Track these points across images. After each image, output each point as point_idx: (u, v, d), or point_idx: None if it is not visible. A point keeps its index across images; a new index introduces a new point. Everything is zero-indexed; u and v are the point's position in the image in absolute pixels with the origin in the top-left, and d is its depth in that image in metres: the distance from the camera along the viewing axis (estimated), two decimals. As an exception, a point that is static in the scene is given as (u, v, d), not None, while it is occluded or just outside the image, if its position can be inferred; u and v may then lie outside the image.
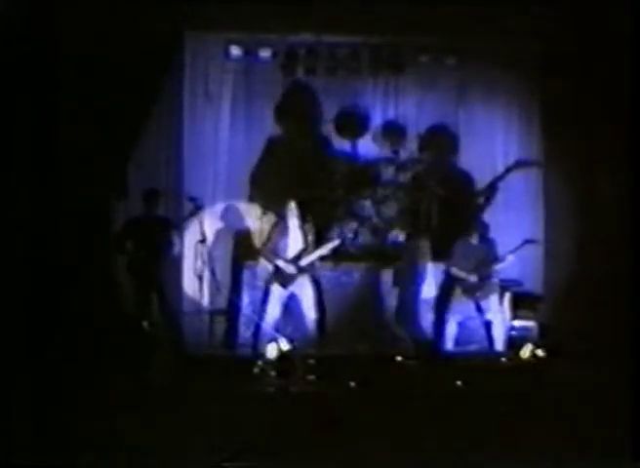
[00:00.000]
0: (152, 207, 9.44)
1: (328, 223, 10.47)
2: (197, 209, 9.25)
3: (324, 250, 9.67)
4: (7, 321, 7.48)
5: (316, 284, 9.75)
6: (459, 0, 9.83)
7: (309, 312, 9.62)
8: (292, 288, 9.62)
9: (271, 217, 10.43)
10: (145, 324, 8.80)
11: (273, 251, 9.64)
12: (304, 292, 9.64)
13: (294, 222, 9.69)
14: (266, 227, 10.33)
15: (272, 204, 10.50)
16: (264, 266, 9.86)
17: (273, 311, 9.62)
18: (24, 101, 8.46)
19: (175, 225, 9.41)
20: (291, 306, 9.72)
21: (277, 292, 9.64)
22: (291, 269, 9.54)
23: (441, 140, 10.99)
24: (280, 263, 9.55)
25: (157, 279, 9.33)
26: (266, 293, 9.73)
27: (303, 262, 9.58)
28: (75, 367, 7.39)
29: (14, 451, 6.63)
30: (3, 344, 7.33)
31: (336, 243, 9.74)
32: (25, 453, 6.67)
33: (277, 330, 9.45)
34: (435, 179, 10.74)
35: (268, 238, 9.80)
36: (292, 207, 9.71)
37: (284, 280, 9.57)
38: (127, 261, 9.40)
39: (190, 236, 9.62)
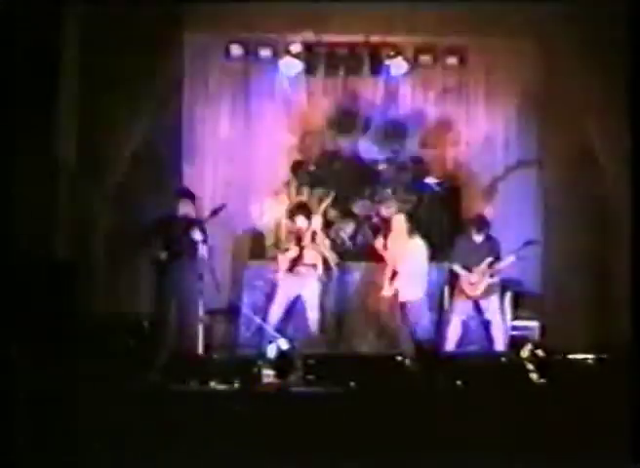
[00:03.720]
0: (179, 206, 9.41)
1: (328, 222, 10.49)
2: (220, 207, 9.18)
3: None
4: (8, 320, 7.48)
5: (322, 285, 9.79)
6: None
7: (313, 312, 9.64)
8: (299, 288, 9.64)
9: (272, 216, 10.45)
10: (146, 324, 8.77)
11: (284, 247, 9.68)
12: (310, 292, 9.65)
13: (300, 221, 9.73)
14: (268, 226, 10.36)
15: (273, 203, 10.53)
16: (267, 265, 9.90)
17: (277, 311, 9.64)
18: (24, 102, 8.45)
19: (200, 226, 9.32)
20: (295, 306, 9.74)
21: (284, 292, 9.65)
22: (309, 253, 9.57)
23: (441, 140, 11.00)
24: (292, 253, 9.58)
25: (166, 279, 9.31)
26: (273, 293, 9.75)
27: (314, 250, 9.62)
28: (76, 367, 7.38)
29: (14, 452, 6.64)
30: (3, 344, 7.33)
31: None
32: (26, 453, 6.68)
33: (280, 330, 9.48)
34: (435, 179, 10.76)
35: (277, 236, 9.82)
36: (297, 206, 9.79)
37: (297, 274, 9.59)
38: (138, 261, 9.43)
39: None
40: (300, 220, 9.72)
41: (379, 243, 9.91)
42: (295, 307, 9.77)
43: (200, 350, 9.06)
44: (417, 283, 9.66)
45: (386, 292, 9.69)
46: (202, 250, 9.09)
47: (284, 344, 8.67)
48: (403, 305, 9.67)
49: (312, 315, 9.66)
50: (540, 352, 8.05)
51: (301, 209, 9.85)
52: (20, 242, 8.11)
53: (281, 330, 9.53)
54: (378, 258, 9.99)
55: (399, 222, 9.77)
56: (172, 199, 9.42)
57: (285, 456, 6.81)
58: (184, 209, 9.30)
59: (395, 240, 9.79)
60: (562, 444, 6.90)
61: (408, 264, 9.65)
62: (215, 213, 9.13)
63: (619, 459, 6.74)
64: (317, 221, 9.79)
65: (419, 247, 9.72)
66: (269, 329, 9.50)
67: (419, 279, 9.67)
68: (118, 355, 7.70)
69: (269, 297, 9.82)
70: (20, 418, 6.86)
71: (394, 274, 9.68)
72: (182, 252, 9.17)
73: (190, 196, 9.42)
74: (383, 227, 10.45)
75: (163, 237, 9.21)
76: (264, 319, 9.67)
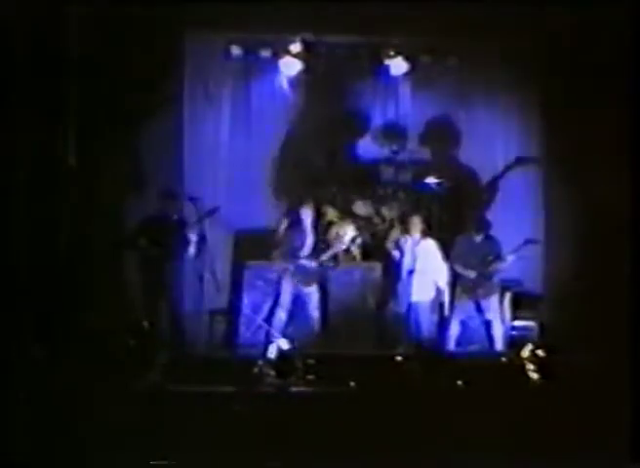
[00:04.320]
0: (167, 207, 9.46)
1: (328, 223, 10.51)
2: (213, 210, 9.23)
3: (341, 245, 9.76)
4: (7, 322, 7.48)
5: (323, 285, 9.81)
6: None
7: (315, 313, 9.67)
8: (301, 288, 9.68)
9: (271, 216, 10.46)
10: (146, 324, 8.78)
11: (289, 250, 9.68)
12: (312, 292, 9.67)
13: (306, 222, 9.76)
14: (271, 227, 10.37)
15: (273, 203, 10.55)
16: (268, 265, 9.91)
17: (281, 311, 9.66)
18: (25, 101, 8.45)
19: (187, 226, 9.37)
20: (297, 306, 9.75)
21: (287, 292, 9.67)
22: (312, 265, 9.57)
23: (441, 140, 11.00)
24: (302, 261, 9.60)
25: (166, 279, 9.34)
26: (277, 294, 9.76)
27: (323, 257, 9.64)
28: (76, 367, 7.38)
29: (14, 452, 6.64)
30: (3, 345, 7.33)
31: (353, 235, 9.83)
32: (26, 453, 6.69)
33: (283, 329, 9.49)
34: (435, 179, 10.76)
35: (283, 237, 9.82)
36: (304, 207, 9.81)
37: (304, 278, 9.61)
38: (138, 261, 9.46)
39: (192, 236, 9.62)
40: (305, 213, 9.76)
41: (389, 243, 9.98)
42: (297, 307, 9.78)
43: (200, 350, 9.07)
44: (430, 282, 9.71)
45: (398, 290, 9.75)
46: (192, 250, 9.16)
47: (284, 344, 8.67)
48: (414, 305, 9.72)
49: (315, 314, 9.69)
50: (540, 352, 8.06)
51: (308, 202, 9.88)
52: (19, 242, 8.11)
53: (282, 329, 9.53)
54: (384, 258, 10.05)
55: (415, 223, 9.82)
56: (158, 199, 9.50)
57: (285, 456, 6.82)
58: (170, 209, 9.39)
59: (409, 240, 9.83)
60: (562, 443, 6.90)
61: (422, 264, 9.71)
62: (207, 215, 9.20)
63: (618, 459, 6.75)
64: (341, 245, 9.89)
65: (432, 247, 9.77)
66: (269, 329, 9.50)
67: (432, 278, 9.72)
68: (118, 355, 7.71)
69: (271, 297, 9.83)
70: (21, 418, 6.86)
71: (408, 274, 9.74)
72: (171, 251, 9.23)
73: (175, 196, 9.51)
74: (386, 227, 10.51)
75: (150, 237, 9.27)
76: (265, 319, 9.68)
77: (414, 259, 9.77)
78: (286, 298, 9.69)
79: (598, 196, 10.01)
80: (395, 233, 10.37)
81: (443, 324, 9.88)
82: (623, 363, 7.32)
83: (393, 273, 9.95)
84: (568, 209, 10.35)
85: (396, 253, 9.89)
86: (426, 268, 9.74)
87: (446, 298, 9.93)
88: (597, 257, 10.08)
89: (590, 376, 7.56)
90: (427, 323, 9.81)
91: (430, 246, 9.82)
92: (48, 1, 8.81)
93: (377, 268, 10.24)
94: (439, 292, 9.85)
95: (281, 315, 9.67)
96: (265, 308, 9.84)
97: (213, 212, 9.26)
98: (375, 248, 10.55)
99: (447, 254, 9.90)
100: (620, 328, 8.34)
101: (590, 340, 9.34)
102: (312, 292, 9.72)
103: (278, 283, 9.75)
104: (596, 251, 10.09)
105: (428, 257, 9.78)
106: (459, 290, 9.82)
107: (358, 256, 10.43)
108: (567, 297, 10.18)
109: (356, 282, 10.18)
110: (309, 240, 9.83)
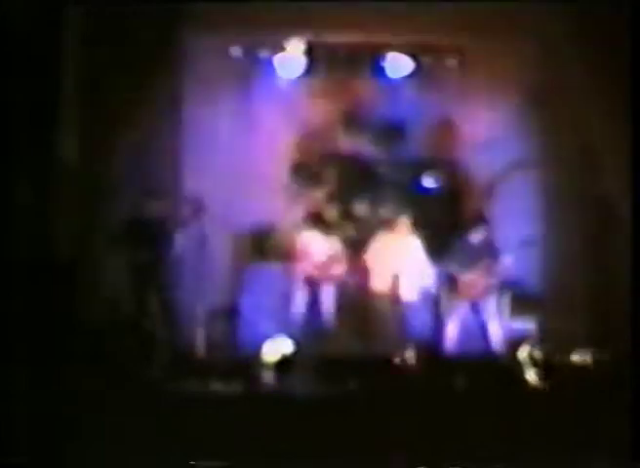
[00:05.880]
0: (153, 206, 9.50)
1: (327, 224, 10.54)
2: (199, 210, 9.25)
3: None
4: (5, 322, 7.48)
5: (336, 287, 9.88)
6: None
7: (328, 314, 9.74)
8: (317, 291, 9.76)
9: (272, 217, 10.48)
10: (145, 323, 8.79)
11: (301, 253, 9.75)
12: (326, 295, 9.74)
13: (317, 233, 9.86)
14: (270, 227, 10.42)
15: (272, 203, 10.56)
16: (268, 266, 9.95)
17: (284, 312, 9.72)
18: (24, 99, 8.45)
19: (175, 225, 9.44)
20: (310, 308, 9.83)
21: (301, 295, 9.74)
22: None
23: (441, 140, 11.01)
24: (311, 263, 9.66)
25: (157, 279, 9.36)
26: (289, 295, 9.81)
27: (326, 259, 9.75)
28: (74, 367, 7.38)
29: (14, 452, 6.65)
30: (2, 344, 7.33)
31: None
32: (26, 454, 6.69)
33: (281, 330, 9.53)
34: (435, 179, 10.78)
35: (293, 241, 9.89)
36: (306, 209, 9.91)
37: (313, 280, 9.65)
38: (126, 261, 9.46)
39: (191, 236, 9.64)
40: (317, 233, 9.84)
41: (379, 243, 10.00)
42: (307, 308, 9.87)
43: (200, 350, 9.08)
44: (417, 281, 9.73)
45: (388, 291, 9.77)
46: (188, 249, 9.21)
47: (284, 345, 8.68)
48: (404, 304, 9.75)
49: (328, 317, 9.77)
50: (538, 352, 8.07)
51: (319, 221, 9.98)
52: (20, 242, 8.11)
53: (282, 330, 9.55)
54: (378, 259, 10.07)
55: (403, 224, 9.84)
56: (144, 199, 9.54)
57: (285, 457, 6.82)
58: (157, 209, 9.43)
59: (395, 240, 9.83)
60: (562, 443, 6.91)
61: (409, 263, 9.71)
62: (193, 215, 9.23)
63: (619, 458, 6.76)
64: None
65: (417, 245, 9.78)
66: (270, 329, 9.52)
67: (419, 277, 9.74)
68: (118, 355, 7.71)
69: (271, 297, 9.87)
70: (20, 418, 6.86)
71: (395, 274, 9.77)
72: (161, 252, 9.28)
73: (161, 196, 9.55)
74: (383, 228, 10.52)
75: (138, 237, 9.31)
76: (265, 319, 9.70)
77: (405, 259, 9.80)
78: (298, 301, 9.77)
79: (599, 195, 10.03)
80: (384, 233, 10.39)
81: (441, 324, 9.88)
82: (624, 363, 7.32)
83: (386, 273, 9.97)
84: (568, 209, 10.36)
85: (387, 254, 9.90)
86: (417, 268, 9.77)
87: (443, 299, 9.95)
88: (597, 257, 10.10)
89: (590, 376, 7.57)
90: (426, 324, 9.83)
91: (415, 245, 9.85)
92: (48, 1, 8.81)
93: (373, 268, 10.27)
94: (432, 292, 9.89)
95: (284, 315, 9.72)
96: (267, 308, 9.86)
97: (197, 211, 9.29)
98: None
99: (444, 254, 9.92)
100: (621, 327, 8.36)
101: (590, 340, 9.36)
102: (326, 296, 9.80)
103: (281, 283, 9.79)
104: (596, 250, 10.11)
105: (417, 257, 9.80)
106: (456, 290, 9.83)
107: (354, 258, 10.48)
108: (567, 297, 10.19)
109: (352, 282, 10.22)
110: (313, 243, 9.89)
